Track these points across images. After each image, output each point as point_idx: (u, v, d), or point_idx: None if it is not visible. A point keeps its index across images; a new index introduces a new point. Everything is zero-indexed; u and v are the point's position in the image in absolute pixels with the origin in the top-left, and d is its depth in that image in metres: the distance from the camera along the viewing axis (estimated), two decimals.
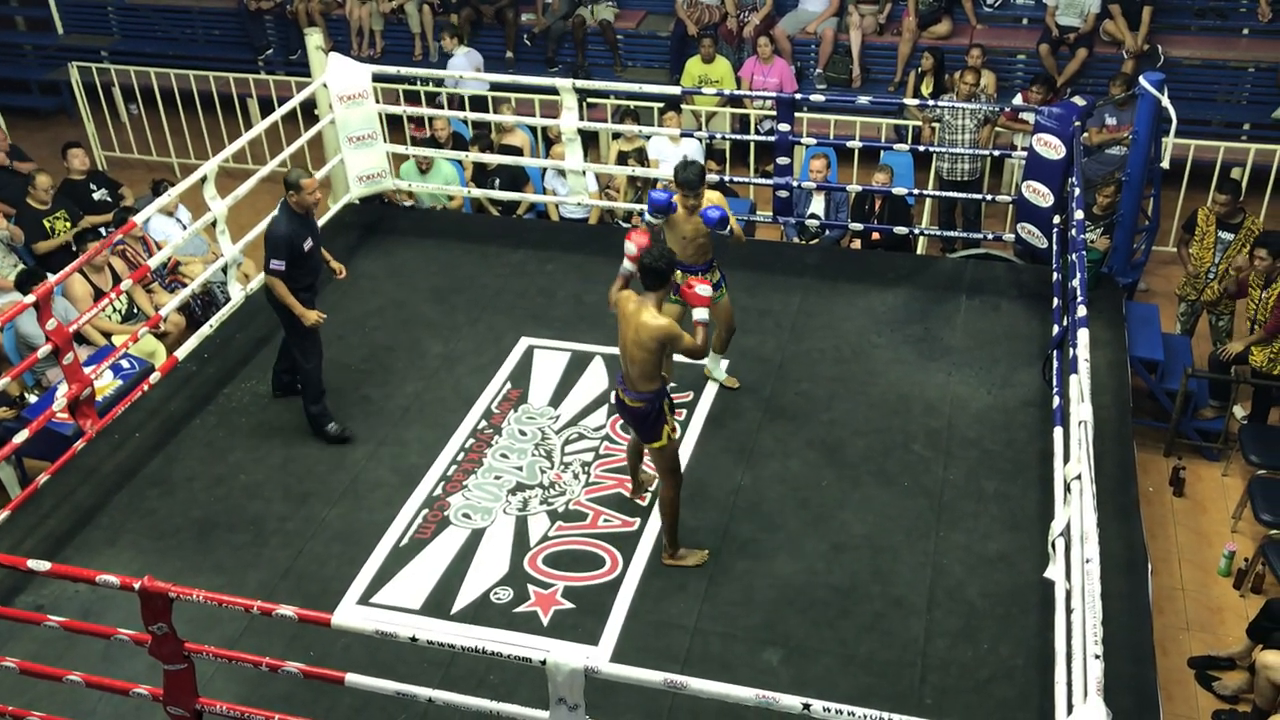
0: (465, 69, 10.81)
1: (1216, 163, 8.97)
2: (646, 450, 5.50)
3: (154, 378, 6.77)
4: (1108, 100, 8.73)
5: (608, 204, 8.83)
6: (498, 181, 8.97)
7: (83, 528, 5.92)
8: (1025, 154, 7.37)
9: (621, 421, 5.95)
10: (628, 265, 5.55)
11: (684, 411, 6.50)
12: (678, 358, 5.66)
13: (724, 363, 6.80)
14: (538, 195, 9.00)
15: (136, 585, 4.08)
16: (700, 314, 5.23)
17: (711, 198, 6.04)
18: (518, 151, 9.32)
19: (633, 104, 9.63)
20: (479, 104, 10.25)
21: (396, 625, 4.19)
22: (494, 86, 10.34)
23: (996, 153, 8.71)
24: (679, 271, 5.91)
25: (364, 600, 5.47)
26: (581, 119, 8.30)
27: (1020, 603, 5.29)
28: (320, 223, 8.18)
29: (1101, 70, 10.21)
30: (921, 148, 8.57)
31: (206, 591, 4.15)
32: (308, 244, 6.19)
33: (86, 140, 11.27)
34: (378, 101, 8.25)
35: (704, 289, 5.20)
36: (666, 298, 5.28)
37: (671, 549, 5.54)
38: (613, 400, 5.56)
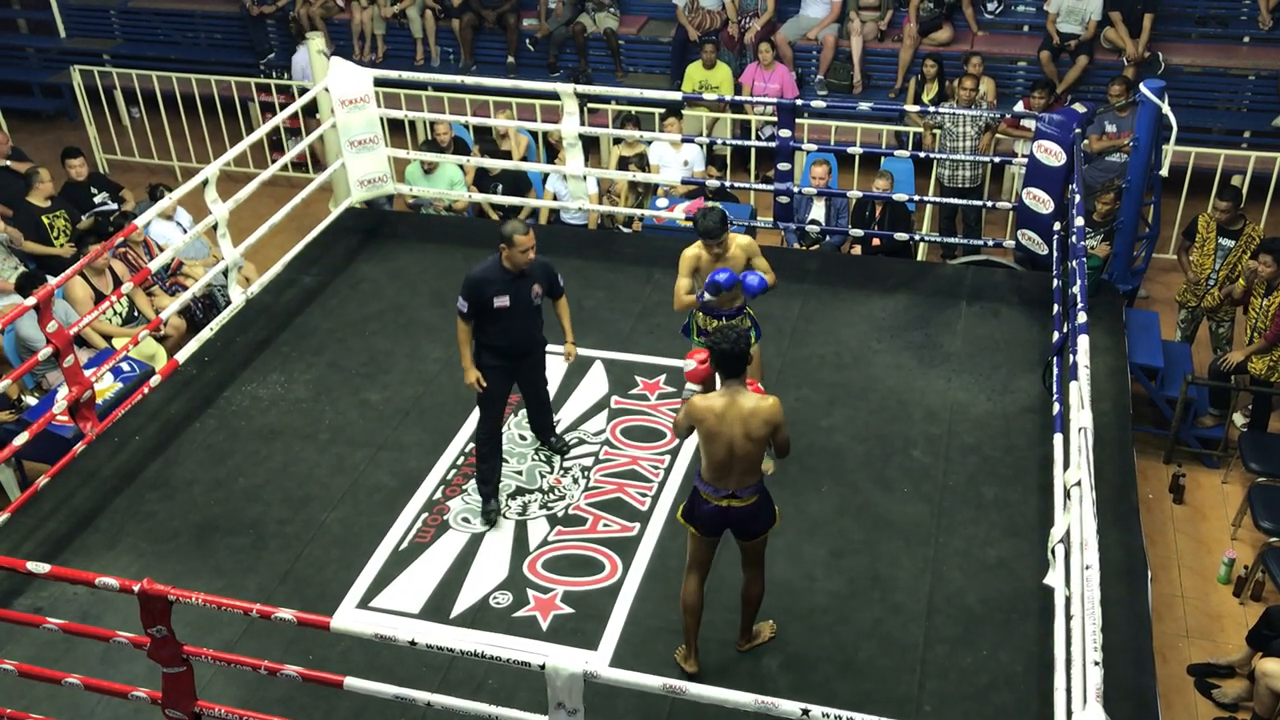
0: (308, 65, 10.95)
1: (1217, 170, 8.98)
2: (748, 546, 4.91)
3: (154, 381, 6.77)
4: (1108, 106, 8.75)
5: (609, 209, 8.85)
6: (500, 187, 8.98)
7: (82, 530, 5.91)
8: (1026, 161, 7.38)
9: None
10: (692, 387, 5.29)
11: None
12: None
13: None
14: (539, 200, 8.99)
15: (136, 588, 4.08)
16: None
17: (740, 243, 5.75)
18: (506, 156, 9.32)
19: (634, 109, 9.64)
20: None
21: (395, 629, 4.19)
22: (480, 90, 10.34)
23: (997, 159, 8.72)
24: (716, 321, 5.77)
25: (363, 604, 5.47)
26: (583, 124, 8.31)
27: (1020, 609, 5.29)
28: (320, 228, 8.24)
29: (1102, 77, 10.22)
30: (922, 154, 8.58)
31: (205, 594, 4.15)
32: (500, 300, 5.60)
33: (88, 143, 11.29)
34: (379, 106, 8.25)
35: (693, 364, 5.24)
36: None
37: (747, 637, 5.19)
38: (704, 518, 4.82)
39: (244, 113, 11.18)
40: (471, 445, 6.30)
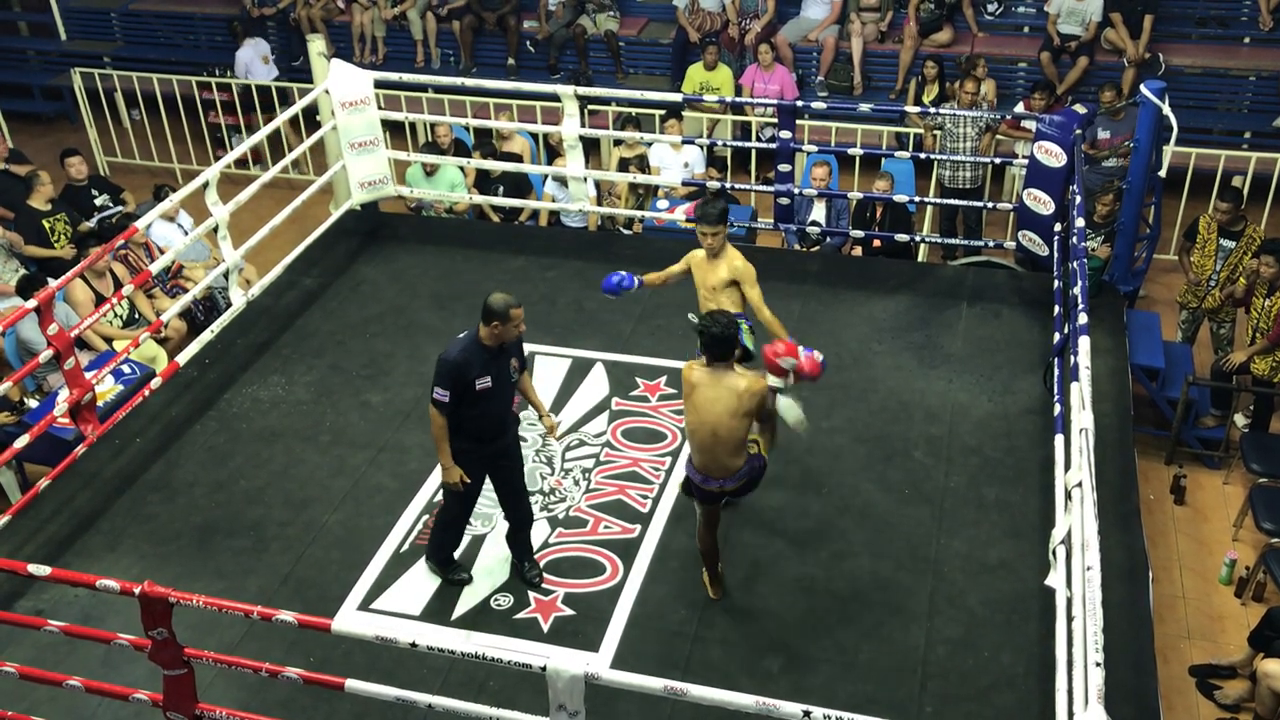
0: (253, 60, 11.35)
1: (1218, 171, 8.98)
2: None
3: (155, 383, 6.77)
4: (1104, 110, 8.74)
5: (609, 210, 8.85)
6: (502, 189, 8.98)
7: (83, 533, 5.91)
8: (1026, 162, 7.38)
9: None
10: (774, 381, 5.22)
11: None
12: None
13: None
14: (539, 203, 9.00)
15: (136, 590, 4.08)
16: (775, 381, 5.10)
17: (734, 265, 5.60)
18: (517, 159, 9.33)
19: (634, 111, 9.64)
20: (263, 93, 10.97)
21: (396, 631, 4.19)
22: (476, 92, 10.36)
23: (998, 160, 8.72)
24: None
25: (364, 606, 5.47)
26: (583, 126, 8.30)
27: (1021, 610, 5.29)
28: (321, 229, 8.24)
29: (1103, 78, 10.21)
30: (923, 155, 8.58)
31: (206, 597, 4.15)
32: (482, 382, 5.01)
33: (88, 145, 11.29)
34: (379, 107, 8.26)
35: (789, 360, 5.12)
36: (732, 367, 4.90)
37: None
38: (701, 496, 5.06)
39: None
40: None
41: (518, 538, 5.59)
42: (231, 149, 9.62)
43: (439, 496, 6.02)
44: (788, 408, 5.63)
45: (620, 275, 5.91)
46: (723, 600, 5.39)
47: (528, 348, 7.17)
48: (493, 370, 5.05)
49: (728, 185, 8.84)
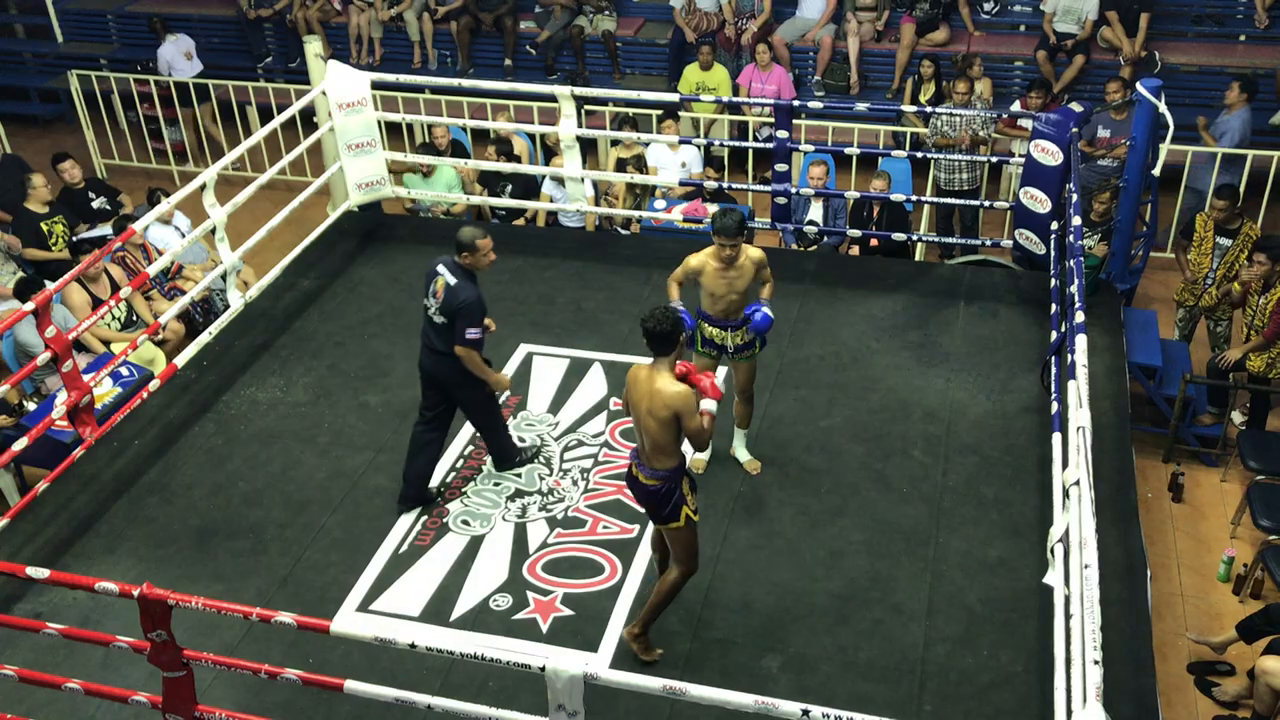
0: (175, 56, 11.49)
1: (1214, 169, 8.97)
2: (663, 531, 5.00)
3: (153, 385, 6.77)
4: (1104, 106, 8.74)
5: (607, 210, 8.85)
6: (510, 188, 8.97)
7: (82, 535, 5.91)
8: (1023, 160, 7.39)
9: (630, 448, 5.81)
10: (708, 404, 4.89)
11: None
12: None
13: (741, 435, 6.18)
14: (537, 203, 9.00)
15: (135, 592, 4.08)
16: (709, 404, 4.78)
17: (752, 255, 5.65)
18: (516, 160, 9.33)
19: (631, 111, 9.64)
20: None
21: (395, 632, 4.19)
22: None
23: (994, 159, 8.72)
24: (715, 329, 5.77)
25: (363, 607, 5.47)
26: (580, 126, 8.31)
27: (1020, 608, 5.29)
28: (318, 231, 8.24)
29: (1099, 77, 10.23)
30: (919, 154, 8.59)
31: (205, 599, 4.15)
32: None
33: (85, 148, 11.29)
34: (377, 109, 8.26)
35: (719, 384, 4.90)
36: (677, 362, 4.79)
37: (643, 629, 5.06)
38: (626, 478, 5.02)
39: (242, 116, 11.18)
40: (471, 448, 6.35)
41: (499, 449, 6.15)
42: (165, 142, 10.80)
43: (438, 496, 6.06)
44: (740, 449, 6.08)
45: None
46: (721, 599, 5.39)
47: (525, 347, 7.23)
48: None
49: (725, 185, 8.86)
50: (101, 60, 12.70)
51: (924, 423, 6.45)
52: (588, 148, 10.00)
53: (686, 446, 5.02)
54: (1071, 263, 5.95)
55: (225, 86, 11.17)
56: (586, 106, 10.36)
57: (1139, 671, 4.96)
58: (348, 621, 5.30)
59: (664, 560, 5.21)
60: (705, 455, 6.14)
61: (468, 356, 5.63)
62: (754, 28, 11.05)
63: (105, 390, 6.93)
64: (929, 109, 9.33)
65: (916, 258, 8.75)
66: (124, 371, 7.14)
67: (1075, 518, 4.56)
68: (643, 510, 5.04)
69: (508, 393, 5.71)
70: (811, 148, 8.35)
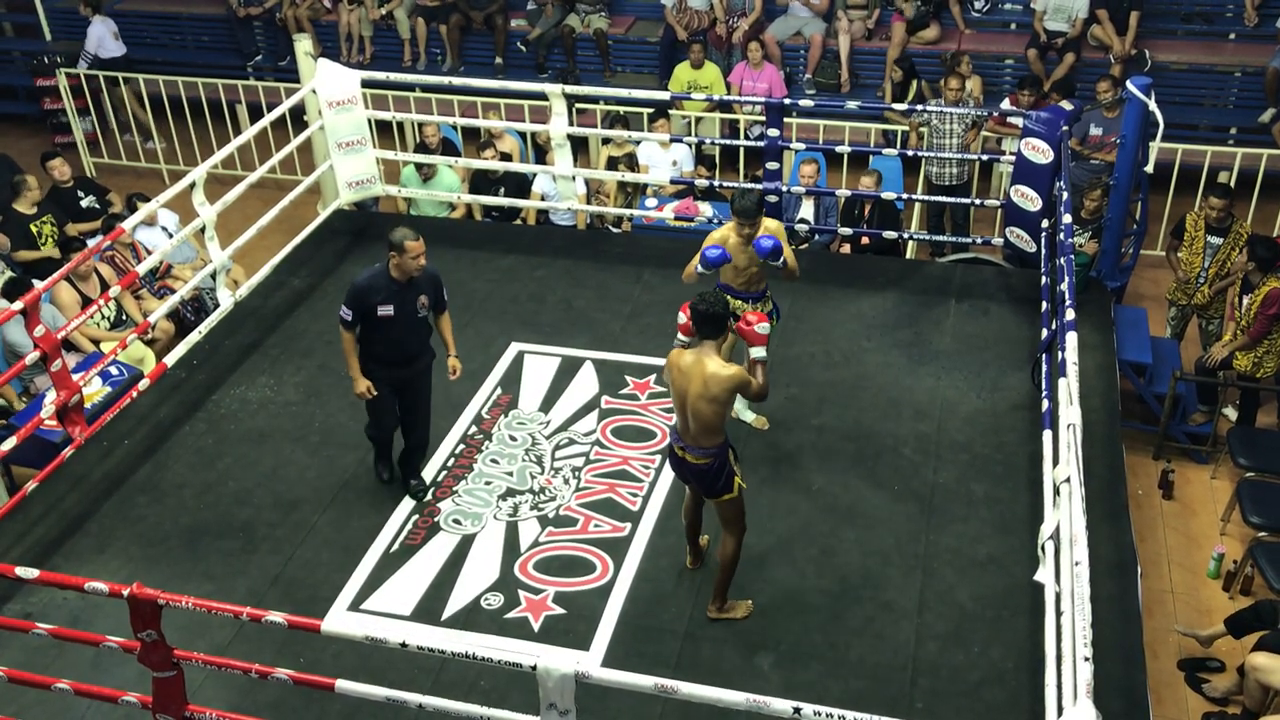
0: (104, 35, 11.63)
1: (1204, 167, 9.01)
2: (714, 503, 5.14)
3: (143, 384, 6.75)
4: (1095, 105, 8.76)
5: (598, 209, 8.84)
6: (503, 189, 8.95)
7: (71, 535, 5.89)
8: (1013, 159, 7.40)
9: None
10: (681, 338, 5.21)
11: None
12: None
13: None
14: (528, 201, 8.98)
15: (125, 592, 4.07)
16: (758, 352, 4.96)
17: (769, 227, 5.83)
18: (507, 158, 9.32)
19: (622, 110, 9.64)
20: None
21: (387, 631, 4.18)
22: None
23: (985, 157, 8.73)
24: (737, 301, 5.84)
25: (354, 606, 5.46)
26: (571, 125, 8.30)
27: (1010, 606, 5.30)
28: (308, 230, 8.22)
29: (1089, 75, 10.24)
30: (910, 152, 8.60)
31: (195, 598, 4.14)
32: (384, 310, 5.56)
33: (75, 147, 11.24)
34: (367, 107, 8.24)
35: (763, 326, 4.96)
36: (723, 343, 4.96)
37: (720, 601, 5.27)
38: (670, 459, 5.17)
39: (231, 115, 11.15)
40: (462, 447, 6.37)
41: (409, 459, 6.07)
42: (73, 134, 10.94)
43: (430, 495, 6.05)
44: (744, 410, 6.01)
45: (720, 251, 5.70)
46: (712, 597, 5.39)
47: (516, 345, 7.22)
48: (396, 300, 5.55)
49: (716, 183, 8.86)
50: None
51: (915, 420, 6.46)
52: (579, 146, 9.98)
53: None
54: (1062, 260, 5.97)
55: (215, 85, 11.13)
56: (578, 105, 10.34)
57: (1130, 668, 4.97)
58: (339, 621, 5.29)
59: (694, 526, 5.46)
60: (749, 412, 6.38)
61: (341, 334, 5.66)
62: (745, 25, 11.05)
63: (95, 389, 6.91)
64: (920, 106, 9.32)
65: (908, 256, 8.76)
66: (113, 371, 7.12)
67: (1066, 515, 4.57)
68: (690, 485, 5.20)
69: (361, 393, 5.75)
70: (802, 146, 8.37)
